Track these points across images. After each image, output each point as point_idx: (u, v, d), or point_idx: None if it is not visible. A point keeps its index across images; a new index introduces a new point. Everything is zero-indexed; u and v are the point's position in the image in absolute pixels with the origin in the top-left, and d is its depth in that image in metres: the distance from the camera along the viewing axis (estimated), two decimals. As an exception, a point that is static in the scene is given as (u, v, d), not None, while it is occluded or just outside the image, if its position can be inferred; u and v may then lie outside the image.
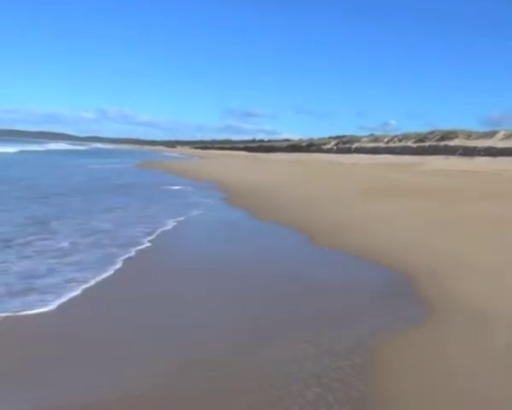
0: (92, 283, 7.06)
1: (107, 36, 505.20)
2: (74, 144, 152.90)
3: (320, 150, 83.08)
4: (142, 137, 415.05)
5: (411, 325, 5.79)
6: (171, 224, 12.32)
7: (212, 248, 10.22)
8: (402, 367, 4.77)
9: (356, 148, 75.57)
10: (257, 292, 7.15)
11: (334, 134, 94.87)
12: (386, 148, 68.08)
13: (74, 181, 23.69)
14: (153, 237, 10.58)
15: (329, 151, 80.00)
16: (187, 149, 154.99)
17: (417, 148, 61.32)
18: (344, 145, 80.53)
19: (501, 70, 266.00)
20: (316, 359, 4.86)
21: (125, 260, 8.38)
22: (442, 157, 51.63)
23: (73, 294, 6.54)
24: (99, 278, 7.27)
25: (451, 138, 58.55)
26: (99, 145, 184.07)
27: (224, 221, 13.86)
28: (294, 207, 15.30)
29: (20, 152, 59.88)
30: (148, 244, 9.84)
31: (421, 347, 5.22)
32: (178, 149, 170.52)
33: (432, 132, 64.54)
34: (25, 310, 5.86)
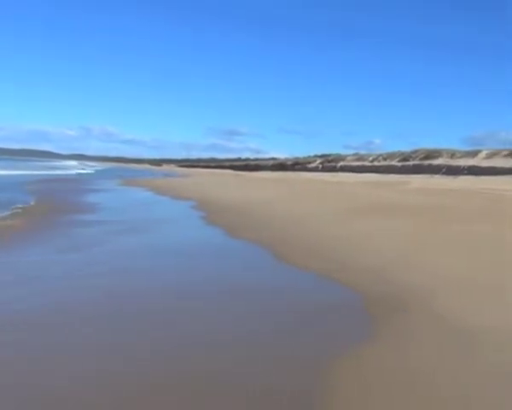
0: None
1: (91, 55, 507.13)
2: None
3: (305, 169, 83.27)
4: (127, 155, 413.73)
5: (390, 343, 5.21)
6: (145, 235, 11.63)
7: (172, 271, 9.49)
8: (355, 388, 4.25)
9: (341, 166, 75.86)
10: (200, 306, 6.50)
11: (319, 153, 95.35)
12: (371, 166, 68.37)
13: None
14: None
15: (315, 170, 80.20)
16: (173, 168, 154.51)
17: (402, 167, 61.64)
18: (329, 164, 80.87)
19: (482, 91, 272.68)
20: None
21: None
22: (427, 176, 51.84)
23: None
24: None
25: (435, 157, 59.03)
26: (98, 164, 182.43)
27: (205, 240, 13.19)
28: (274, 225, 14.71)
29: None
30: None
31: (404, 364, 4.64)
32: (165, 167, 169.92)
33: (416, 151, 65.09)
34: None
